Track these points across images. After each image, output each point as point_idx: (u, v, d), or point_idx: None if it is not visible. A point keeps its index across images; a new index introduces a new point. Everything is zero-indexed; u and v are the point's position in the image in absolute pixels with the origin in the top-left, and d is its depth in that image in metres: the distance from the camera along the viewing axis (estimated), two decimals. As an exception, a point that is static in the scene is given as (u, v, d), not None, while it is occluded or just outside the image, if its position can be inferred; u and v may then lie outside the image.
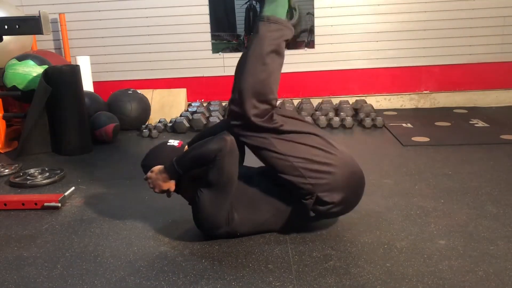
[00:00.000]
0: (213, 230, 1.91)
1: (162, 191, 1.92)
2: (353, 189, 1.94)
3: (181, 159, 1.84)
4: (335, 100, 4.46)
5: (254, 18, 4.41)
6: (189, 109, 4.22)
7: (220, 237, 1.95)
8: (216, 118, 3.91)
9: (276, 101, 1.93)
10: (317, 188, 1.85)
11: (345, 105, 4.16)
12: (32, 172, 2.93)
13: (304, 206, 1.89)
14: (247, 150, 2.12)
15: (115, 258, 1.87)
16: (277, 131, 1.88)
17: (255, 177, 1.98)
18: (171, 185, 1.90)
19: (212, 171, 1.81)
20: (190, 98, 4.61)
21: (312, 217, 1.95)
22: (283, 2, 1.93)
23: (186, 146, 1.99)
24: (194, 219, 1.92)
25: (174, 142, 1.97)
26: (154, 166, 1.91)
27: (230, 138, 1.81)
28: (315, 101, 4.45)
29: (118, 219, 2.26)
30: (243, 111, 1.85)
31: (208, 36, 4.49)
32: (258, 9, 4.40)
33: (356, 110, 4.20)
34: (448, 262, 1.72)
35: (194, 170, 1.87)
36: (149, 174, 1.91)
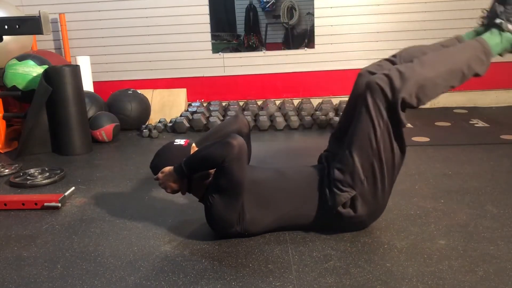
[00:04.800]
0: (225, 230, 1.92)
1: (174, 191, 1.93)
2: (374, 217, 1.98)
3: (189, 161, 1.84)
4: (335, 100, 4.45)
5: (254, 18, 4.41)
6: (189, 109, 4.22)
7: (232, 236, 1.95)
8: (216, 118, 3.91)
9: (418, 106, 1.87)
10: (362, 191, 1.86)
11: (345, 105, 4.15)
12: (32, 172, 2.93)
13: (335, 197, 1.88)
14: (254, 151, 2.12)
15: (115, 258, 1.88)
16: (396, 126, 1.82)
17: (271, 177, 1.98)
18: (181, 185, 1.91)
19: (221, 176, 1.80)
20: (190, 98, 4.61)
21: (323, 222, 1.95)
22: (506, 45, 1.90)
23: (193, 145, 1.99)
24: (208, 221, 1.93)
25: (180, 141, 1.98)
26: (163, 166, 1.92)
27: (237, 142, 1.77)
28: (315, 101, 4.45)
29: (118, 219, 2.26)
30: (399, 87, 1.77)
31: (208, 36, 4.49)
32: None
33: (356, 110, 4.19)
34: (448, 262, 1.72)
35: (203, 171, 1.89)
36: (159, 175, 1.92)
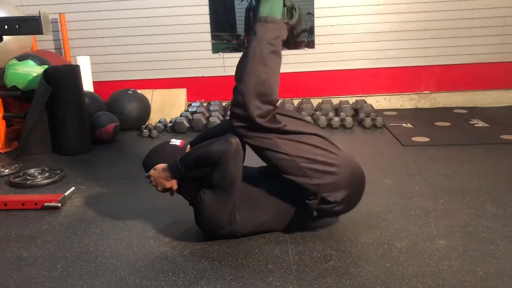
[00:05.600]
0: (215, 231, 1.91)
1: (164, 190, 1.91)
2: (355, 188, 1.95)
3: (185, 159, 1.84)
4: (335, 100, 4.45)
5: (254, 18, 4.41)
6: (189, 109, 4.22)
7: (222, 237, 1.95)
8: (216, 118, 3.91)
9: (278, 102, 1.93)
10: (321, 188, 1.86)
11: (345, 105, 4.16)
12: (32, 172, 2.93)
13: (308, 206, 1.89)
14: (248, 150, 2.12)
15: (115, 258, 1.87)
16: (281, 131, 1.88)
17: (257, 177, 1.98)
18: (173, 183, 1.89)
19: (216, 173, 1.80)
20: (190, 98, 4.61)
21: (314, 216, 1.95)
22: (278, 1, 1.94)
23: (188, 146, 1.99)
24: (196, 220, 1.92)
25: (176, 142, 1.97)
26: (156, 164, 1.91)
27: (235, 141, 1.79)
28: (315, 101, 4.45)
29: (118, 219, 2.26)
30: (247, 113, 1.85)
31: (208, 36, 4.49)
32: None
33: (356, 110, 4.20)
34: (448, 262, 1.72)
35: (197, 170, 1.87)
36: (151, 171, 1.91)
